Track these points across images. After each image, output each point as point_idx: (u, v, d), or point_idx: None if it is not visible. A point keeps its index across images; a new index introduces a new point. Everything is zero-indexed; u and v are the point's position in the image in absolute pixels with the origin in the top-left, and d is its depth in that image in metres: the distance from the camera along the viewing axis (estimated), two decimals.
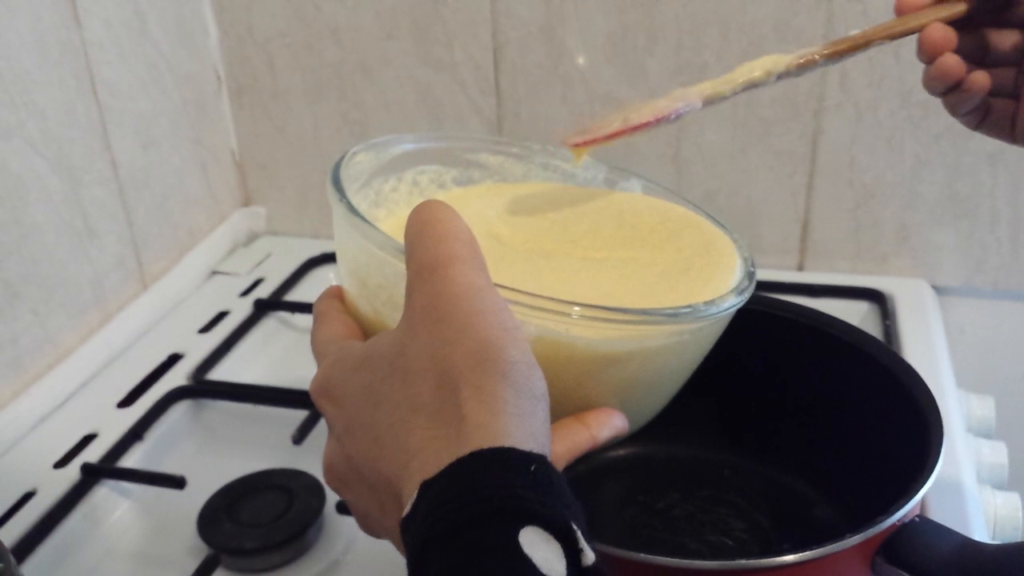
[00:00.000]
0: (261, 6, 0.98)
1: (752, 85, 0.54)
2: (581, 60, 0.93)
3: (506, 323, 0.34)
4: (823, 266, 0.96)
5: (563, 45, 0.92)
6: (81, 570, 0.67)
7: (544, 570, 0.28)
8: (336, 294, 0.47)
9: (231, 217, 1.07)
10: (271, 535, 0.66)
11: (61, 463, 0.74)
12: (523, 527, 0.29)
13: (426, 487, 0.31)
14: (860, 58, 0.86)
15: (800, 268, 0.97)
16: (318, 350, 0.43)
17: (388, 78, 0.98)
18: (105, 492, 0.72)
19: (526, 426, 0.32)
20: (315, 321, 0.45)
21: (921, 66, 0.53)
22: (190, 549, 0.67)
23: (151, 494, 0.72)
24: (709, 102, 0.53)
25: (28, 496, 0.70)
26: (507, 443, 0.31)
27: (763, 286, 0.92)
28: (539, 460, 0.31)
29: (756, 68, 0.54)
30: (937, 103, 0.87)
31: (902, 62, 0.86)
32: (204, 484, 0.70)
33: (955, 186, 0.90)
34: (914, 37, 0.52)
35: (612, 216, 0.55)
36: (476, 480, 0.30)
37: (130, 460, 0.75)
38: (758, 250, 0.97)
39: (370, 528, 0.40)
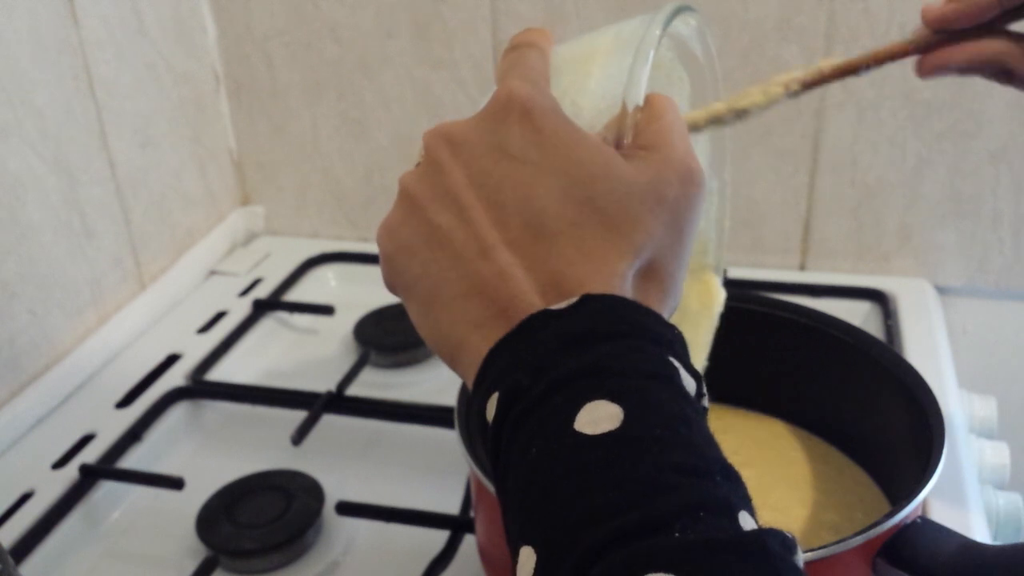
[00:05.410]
0: (259, 4, 0.98)
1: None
2: None
3: None
4: (825, 266, 0.96)
5: None
6: (79, 571, 0.67)
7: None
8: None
9: (229, 217, 1.06)
10: (270, 536, 0.66)
11: (59, 464, 0.73)
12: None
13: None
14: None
15: (802, 268, 0.97)
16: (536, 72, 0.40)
17: (387, 76, 0.98)
18: (103, 493, 0.72)
19: None
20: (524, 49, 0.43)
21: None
22: (189, 550, 0.67)
23: (149, 495, 0.72)
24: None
25: (26, 497, 0.70)
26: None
27: (765, 286, 0.92)
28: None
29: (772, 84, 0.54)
30: (940, 103, 0.87)
31: (904, 62, 0.85)
32: (202, 485, 0.70)
33: (957, 186, 0.89)
34: None
35: None
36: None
37: (128, 461, 0.75)
38: (759, 250, 0.97)
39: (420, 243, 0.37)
